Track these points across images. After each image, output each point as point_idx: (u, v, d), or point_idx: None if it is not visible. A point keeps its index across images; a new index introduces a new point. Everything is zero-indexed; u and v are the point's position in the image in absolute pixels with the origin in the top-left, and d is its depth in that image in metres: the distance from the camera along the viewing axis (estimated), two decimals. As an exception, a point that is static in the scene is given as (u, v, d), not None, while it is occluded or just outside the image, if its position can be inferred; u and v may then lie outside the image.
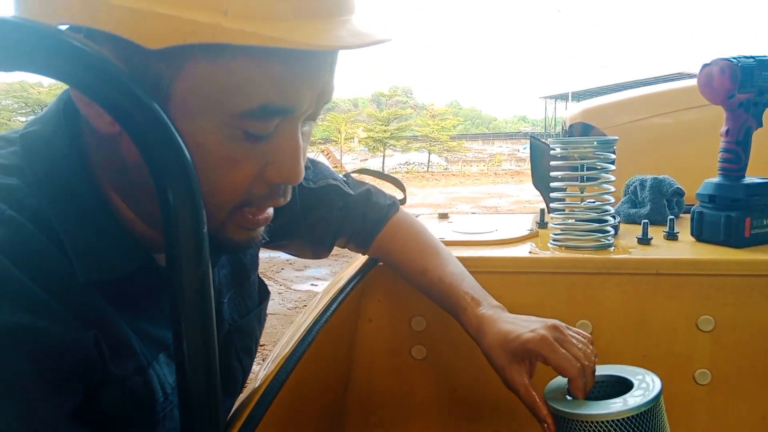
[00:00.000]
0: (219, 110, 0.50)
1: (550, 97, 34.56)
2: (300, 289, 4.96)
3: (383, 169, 24.33)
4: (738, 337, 0.97)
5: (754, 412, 0.98)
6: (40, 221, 0.51)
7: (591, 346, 0.73)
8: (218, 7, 0.44)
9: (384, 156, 25.93)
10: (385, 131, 25.94)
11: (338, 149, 27.77)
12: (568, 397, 0.70)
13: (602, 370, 0.74)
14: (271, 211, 0.60)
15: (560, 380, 0.73)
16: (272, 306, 4.51)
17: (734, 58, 1.00)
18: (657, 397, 0.66)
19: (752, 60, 1.01)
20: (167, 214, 0.45)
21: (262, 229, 0.61)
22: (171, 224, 0.46)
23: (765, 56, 1.03)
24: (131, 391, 0.55)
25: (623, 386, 0.71)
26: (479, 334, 0.79)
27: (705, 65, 1.03)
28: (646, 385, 0.68)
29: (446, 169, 25.49)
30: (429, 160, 26.36)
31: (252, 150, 0.53)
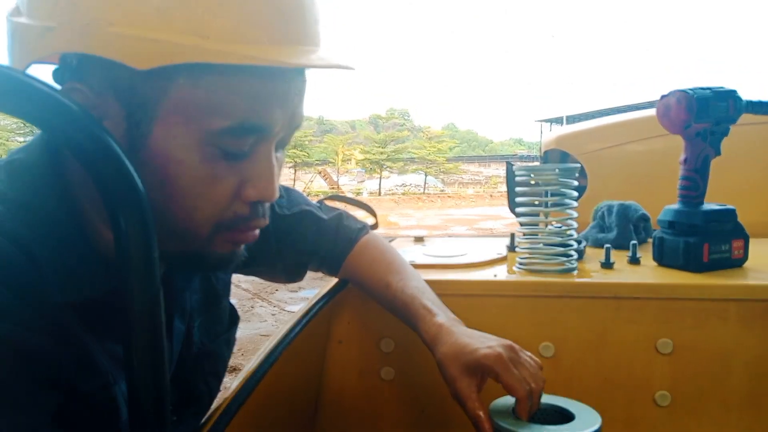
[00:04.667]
0: (200, 128, 0.54)
1: (546, 121, 34.78)
2: (293, 310, 4.96)
3: (380, 191, 24.41)
4: (696, 359, 1.00)
5: (713, 433, 1.00)
6: (19, 243, 0.54)
7: (540, 372, 0.75)
8: (200, 32, 0.51)
9: (381, 178, 26.04)
10: (382, 153, 26.11)
11: (335, 171, 27.86)
12: (512, 418, 0.72)
13: (548, 399, 0.77)
14: (257, 232, 0.64)
15: (506, 400, 0.76)
16: (265, 327, 4.52)
17: (690, 89, 1.04)
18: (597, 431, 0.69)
19: (708, 91, 1.05)
20: (119, 240, 0.48)
21: (243, 246, 0.65)
22: (123, 249, 0.48)
23: (721, 87, 1.07)
24: (95, 407, 0.58)
25: (565, 418, 0.74)
26: (435, 342, 0.81)
27: (663, 96, 1.07)
28: (587, 420, 0.71)
29: (442, 191, 25.58)
30: (425, 182, 26.47)
31: (230, 168, 0.57)
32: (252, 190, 0.59)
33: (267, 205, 0.63)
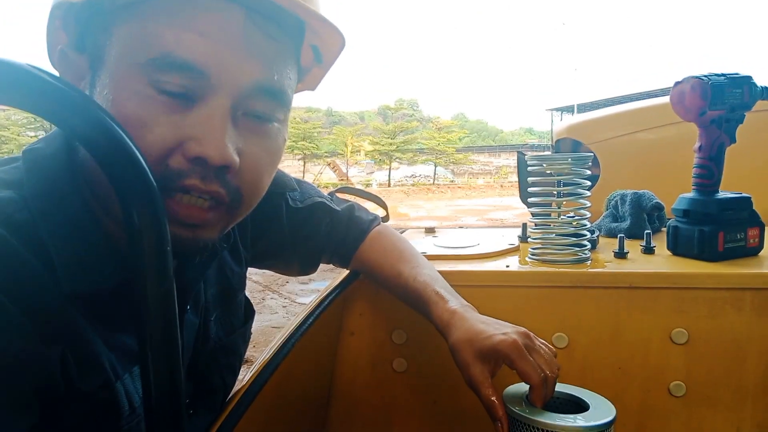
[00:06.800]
0: (129, 63, 0.54)
1: (556, 110, 34.53)
2: (304, 302, 4.99)
3: (389, 182, 24.38)
4: (711, 349, 0.99)
5: (728, 423, 1.00)
6: (28, 235, 0.53)
7: (555, 359, 0.75)
8: None
9: (390, 169, 26.01)
10: (391, 144, 26.08)
11: (345, 162, 27.87)
12: (525, 405, 0.72)
13: (562, 387, 0.77)
14: (210, 216, 0.58)
15: (519, 387, 0.75)
16: (276, 319, 4.55)
17: (705, 75, 1.03)
18: (611, 422, 0.69)
19: (723, 77, 1.03)
20: (132, 234, 0.48)
21: (206, 233, 0.59)
22: (135, 243, 0.48)
23: (736, 73, 1.05)
24: (95, 406, 0.57)
25: (579, 407, 0.74)
26: (449, 328, 0.80)
27: (677, 83, 1.05)
28: (601, 411, 0.71)
29: (452, 181, 25.54)
30: (435, 173, 26.42)
31: (166, 116, 0.54)
32: (194, 145, 0.54)
33: (227, 175, 0.57)
